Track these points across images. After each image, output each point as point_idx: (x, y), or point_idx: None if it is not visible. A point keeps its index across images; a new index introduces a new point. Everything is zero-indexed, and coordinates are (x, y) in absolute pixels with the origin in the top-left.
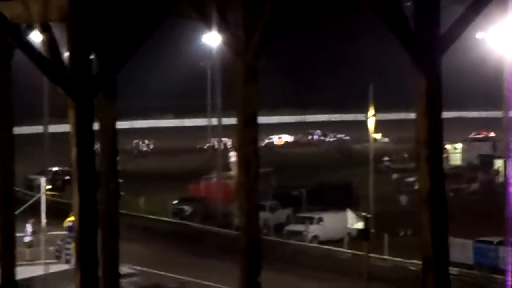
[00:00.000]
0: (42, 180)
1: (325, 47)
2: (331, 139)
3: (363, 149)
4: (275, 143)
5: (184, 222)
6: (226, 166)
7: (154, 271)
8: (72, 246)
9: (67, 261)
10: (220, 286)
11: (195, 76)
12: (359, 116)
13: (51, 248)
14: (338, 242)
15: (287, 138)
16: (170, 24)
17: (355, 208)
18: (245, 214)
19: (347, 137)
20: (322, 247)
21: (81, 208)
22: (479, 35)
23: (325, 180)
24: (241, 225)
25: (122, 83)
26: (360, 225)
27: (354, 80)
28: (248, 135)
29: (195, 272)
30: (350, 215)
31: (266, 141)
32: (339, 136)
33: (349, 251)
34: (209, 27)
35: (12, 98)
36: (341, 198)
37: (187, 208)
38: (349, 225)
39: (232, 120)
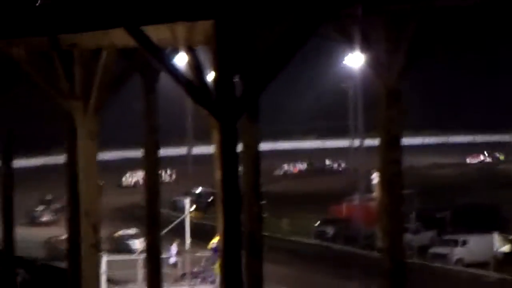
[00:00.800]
0: (187, 202)
1: (468, 65)
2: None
3: (509, 170)
4: (290, 171)
5: (326, 244)
6: (368, 188)
7: None
8: (216, 267)
9: (212, 282)
10: None
11: (338, 97)
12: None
13: (196, 269)
14: (483, 265)
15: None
16: (312, 45)
17: (503, 231)
18: (388, 236)
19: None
20: (468, 270)
21: (226, 229)
22: None
23: (470, 202)
24: (385, 247)
25: (264, 104)
26: (507, 248)
27: (499, 100)
28: (391, 156)
29: None
30: (496, 238)
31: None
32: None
33: (497, 274)
34: (351, 48)
35: (158, 120)
36: (487, 220)
37: (330, 230)
38: (496, 248)
39: (376, 141)
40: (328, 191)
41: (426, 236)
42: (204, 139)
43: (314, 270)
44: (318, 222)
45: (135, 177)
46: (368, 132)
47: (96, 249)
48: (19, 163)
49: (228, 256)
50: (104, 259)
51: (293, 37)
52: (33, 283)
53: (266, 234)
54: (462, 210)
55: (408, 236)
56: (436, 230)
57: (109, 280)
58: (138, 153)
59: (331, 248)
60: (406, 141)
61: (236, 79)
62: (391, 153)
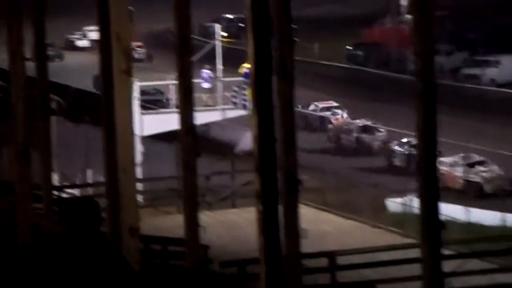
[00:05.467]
0: (217, 27)
1: None
2: None
3: None
4: None
5: (358, 67)
6: (398, 10)
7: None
8: (248, 92)
9: (244, 107)
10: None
11: None
12: None
13: (227, 94)
14: None
15: None
16: None
17: None
18: (420, 59)
19: None
20: (501, 90)
21: (256, 53)
22: None
23: (503, 23)
24: (417, 69)
25: None
26: None
27: None
28: None
29: (376, 115)
30: None
31: None
32: None
33: None
34: None
35: None
36: None
37: (361, 53)
38: None
39: None
40: (361, 15)
41: (459, 57)
42: None
43: (345, 93)
44: (350, 46)
45: None
46: None
47: (128, 75)
48: None
49: (259, 80)
50: (137, 84)
51: None
52: (68, 108)
53: (297, 58)
54: (494, 30)
55: (440, 58)
56: (468, 51)
57: (143, 107)
58: None
59: (363, 71)
60: None
61: None
62: None
